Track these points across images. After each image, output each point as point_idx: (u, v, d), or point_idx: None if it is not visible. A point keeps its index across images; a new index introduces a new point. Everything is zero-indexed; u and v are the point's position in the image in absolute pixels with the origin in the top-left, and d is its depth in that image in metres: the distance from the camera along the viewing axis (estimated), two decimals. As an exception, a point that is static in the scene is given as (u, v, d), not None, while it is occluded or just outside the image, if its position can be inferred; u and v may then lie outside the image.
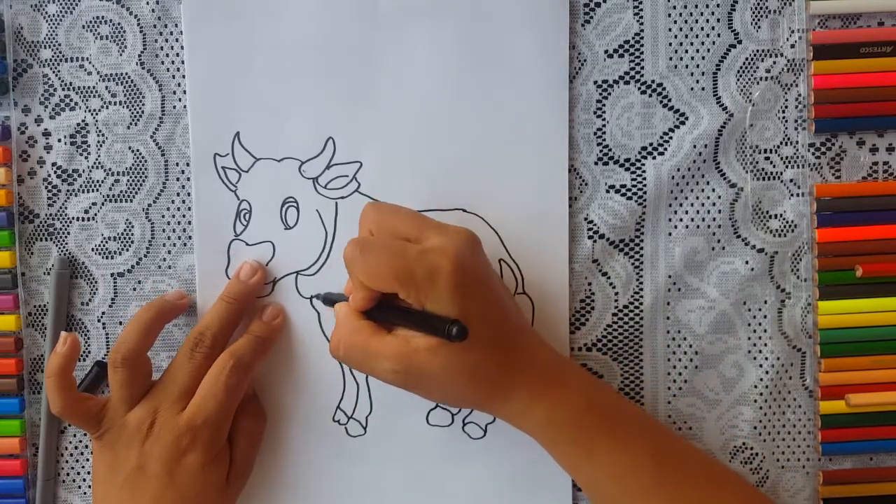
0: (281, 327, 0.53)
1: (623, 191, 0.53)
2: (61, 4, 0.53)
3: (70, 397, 0.49)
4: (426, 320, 0.45)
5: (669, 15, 0.52)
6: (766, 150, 0.53)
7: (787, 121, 0.53)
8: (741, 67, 0.52)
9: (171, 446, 0.49)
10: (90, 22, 0.53)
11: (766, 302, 0.53)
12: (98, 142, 0.53)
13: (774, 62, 0.52)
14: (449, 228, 0.47)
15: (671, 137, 0.53)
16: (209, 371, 0.50)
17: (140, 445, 0.49)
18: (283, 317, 0.53)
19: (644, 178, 0.53)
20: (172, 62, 0.53)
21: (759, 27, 0.52)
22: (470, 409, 0.53)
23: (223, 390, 0.49)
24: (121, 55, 0.53)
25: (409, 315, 0.46)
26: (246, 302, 0.52)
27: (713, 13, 0.52)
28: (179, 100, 0.53)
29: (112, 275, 0.54)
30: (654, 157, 0.53)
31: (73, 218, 0.54)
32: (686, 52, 0.52)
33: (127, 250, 0.54)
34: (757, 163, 0.53)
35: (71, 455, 0.55)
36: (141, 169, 0.53)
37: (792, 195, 0.53)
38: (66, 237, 0.54)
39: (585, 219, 0.53)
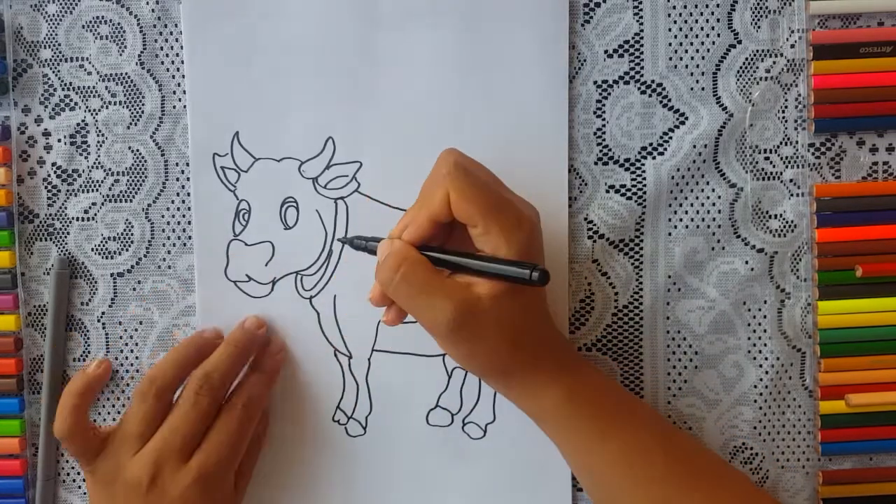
0: (283, 361, 0.53)
1: (623, 191, 0.53)
2: (61, 4, 0.53)
3: (79, 424, 0.48)
4: (498, 263, 0.42)
5: (669, 15, 0.52)
6: (765, 150, 0.53)
7: (786, 121, 0.53)
8: (741, 67, 0.52)
9: (178, 501, 0.47)
10: (90, 22, 0.53)
11: (765, 302, 0.53)
12: (98, 142, 0.53)
13: (774, 62, 0.52)
14: (525, 201, 0.46)
15: (671, 137, 0.53)
16: (221, 418, 0.49)
17: (142, 501, 0.46)
18: (284, 352, 0.53)
19: (644, 178, 0.53)
20: (172, 62, 0.53)
21: (758, 27, 0.52)
22: (492, 381, 0.48)
23: (236, 434, 0.48)
24: (121, 55, 0.53)
25: (474, 257, 0.43)
26: (251, 352, 0.52)
27: (713, 13, 0.52)
28: (179, 100, 0.53)
29: (112, 275, 0.54)
30: (653, 157, 0.53)
31: (72, 218, 0.54)
32: (686, 52, 0.52)
33: (127, 250, 0.54)
34: (757, 163, 0.53)
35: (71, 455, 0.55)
36: (141, 169, 0.53)
37: (792, 195, 0.53)
38: (65, 237, 0.54)
39: (585, 219, 0.53)
